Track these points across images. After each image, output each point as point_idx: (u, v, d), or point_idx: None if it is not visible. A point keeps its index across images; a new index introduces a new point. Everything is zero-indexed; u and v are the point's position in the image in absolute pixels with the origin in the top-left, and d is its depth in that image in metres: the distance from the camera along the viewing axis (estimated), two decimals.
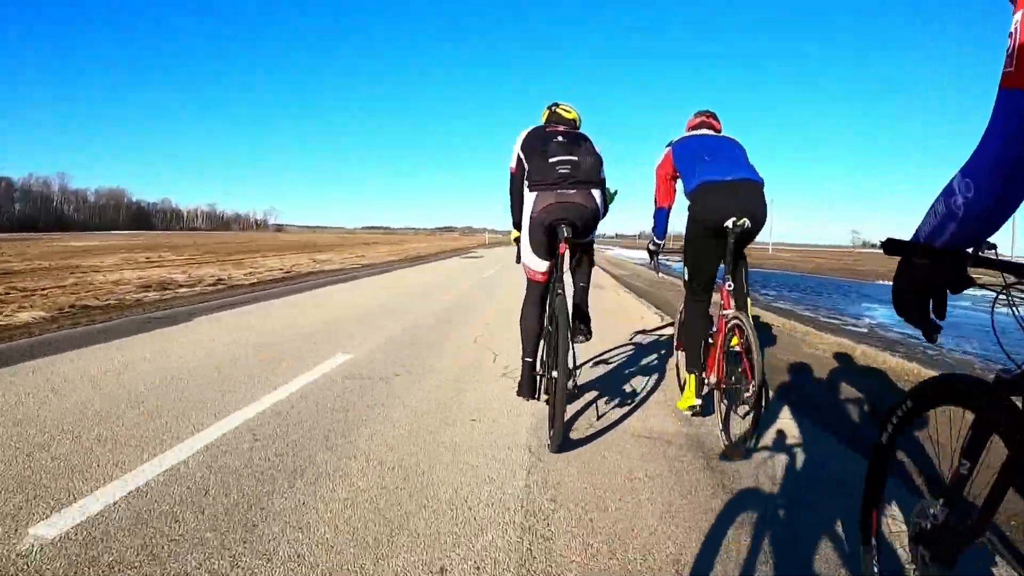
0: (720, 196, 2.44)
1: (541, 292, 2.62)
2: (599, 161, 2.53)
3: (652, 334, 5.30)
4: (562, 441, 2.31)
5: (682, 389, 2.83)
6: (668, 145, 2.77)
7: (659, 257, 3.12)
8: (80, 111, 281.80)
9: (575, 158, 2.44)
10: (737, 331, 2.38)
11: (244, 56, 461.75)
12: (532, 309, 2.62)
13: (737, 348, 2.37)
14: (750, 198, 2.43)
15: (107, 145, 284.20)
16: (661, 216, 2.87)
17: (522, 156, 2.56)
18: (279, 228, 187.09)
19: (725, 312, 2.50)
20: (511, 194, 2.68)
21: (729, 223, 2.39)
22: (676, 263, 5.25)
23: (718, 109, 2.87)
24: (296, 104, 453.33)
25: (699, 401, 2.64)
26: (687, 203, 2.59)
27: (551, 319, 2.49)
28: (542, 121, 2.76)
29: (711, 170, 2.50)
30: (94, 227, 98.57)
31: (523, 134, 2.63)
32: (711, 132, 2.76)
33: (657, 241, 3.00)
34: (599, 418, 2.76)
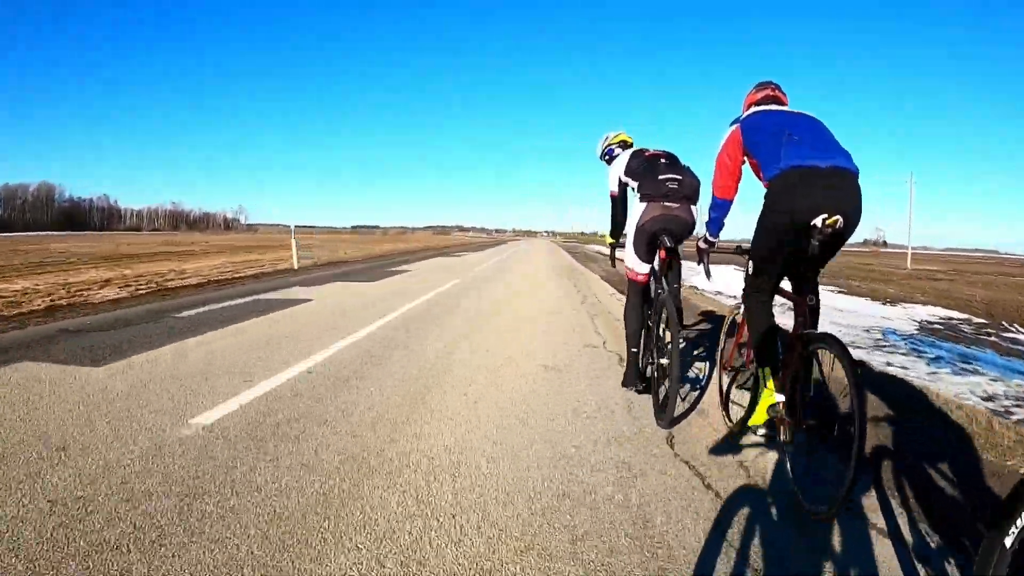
0: (812, 186, 1.91)
1: (642, 291, 3.02)
2: (698, 181, 2.86)
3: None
4: (672, 418, 2.52)
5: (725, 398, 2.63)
6: (733, 123, 2.24)
7: (708, 258, 2.64)
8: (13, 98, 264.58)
9: (680, 177, 2.81)
10: (822, 357, 1.96)
11: (226, 47, 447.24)
12: (634, 308, 3.02)
13: (819, 377, 2.04)
14: (847, 192, 1.92)
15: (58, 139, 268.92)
16: (720, 209, 2.32)
17: (624, 178, 3.05)
18: (251, 227, 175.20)
19: (807, 332, 1.97)
20: (612, 212, 3.23)
21: (818, 221, 1.88)
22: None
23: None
24: (288, 100, 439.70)
25: (781, 397, 2.02)
26: (763, 192, 2.05)
27: (657, 313, 2.86)
28: (612, 141, 3.38)
29: (800, 153, 1.96)
30: (20, 227, 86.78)
31: (623, 161, 3.10)
32: (782, 108, 2.23)
33: (710, 239, 2.51)
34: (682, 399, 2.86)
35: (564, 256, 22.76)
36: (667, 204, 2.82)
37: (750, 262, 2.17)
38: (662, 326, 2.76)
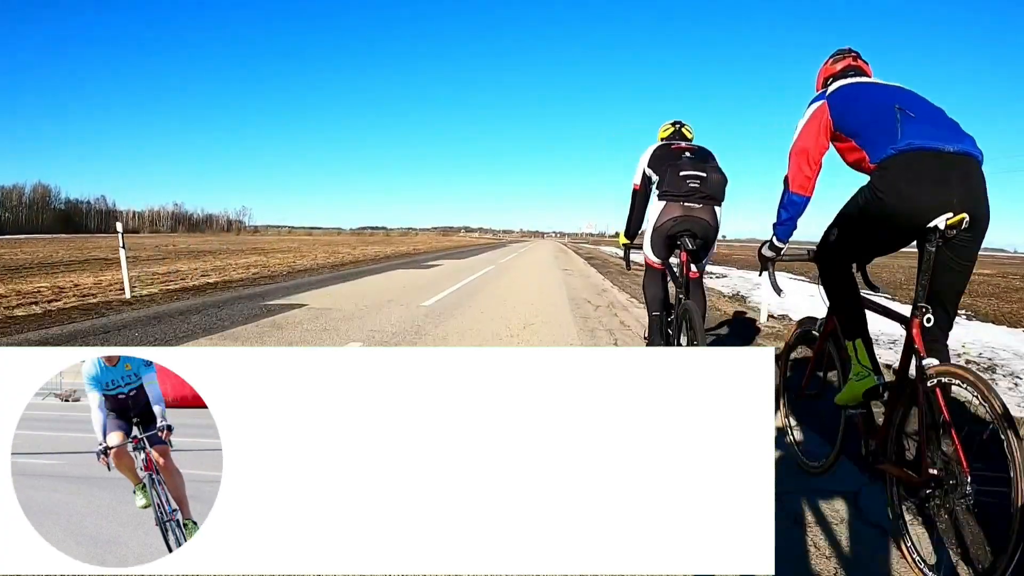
0: (940, 175, 1.52)
1: (660, 275, 2.92)
2: (724, 179, 2.65)
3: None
4: None
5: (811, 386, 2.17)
6: (818, 99, 1.82)
7: (774, 267, 2.08)
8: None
9: (703, 174, 2.59)
10: (944, 394, 1.48)
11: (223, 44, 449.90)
12: (652, 279, 2.94)
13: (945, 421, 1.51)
14: (975, 186, 1.55)
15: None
16: (795, 208, 1.88)
17: (648, 171, 2.84)
18: (255, 230, 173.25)
19: (928, 362, 1.53)
20: (631, 207, 3.03)
21: (940, 222, 1.51)
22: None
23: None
24: (294, 101, 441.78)
25: (879, 380, 1.69)
26: (869, 178, 1.63)
27: (678, 324, 2.76)
28: (661, 134, 3.04)
29: (922, 131, 1.56)
30: (14, 230, 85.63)
31: (649, 151, 2.89)
32: (874, 80, 1.85)
33: (777, 244, 1.99)
34: None
35: (581, 266, 16.01)
36: (687, 204, 2.61)
37: (835, 229, 1.75)
38: (684, 339, 2.67)
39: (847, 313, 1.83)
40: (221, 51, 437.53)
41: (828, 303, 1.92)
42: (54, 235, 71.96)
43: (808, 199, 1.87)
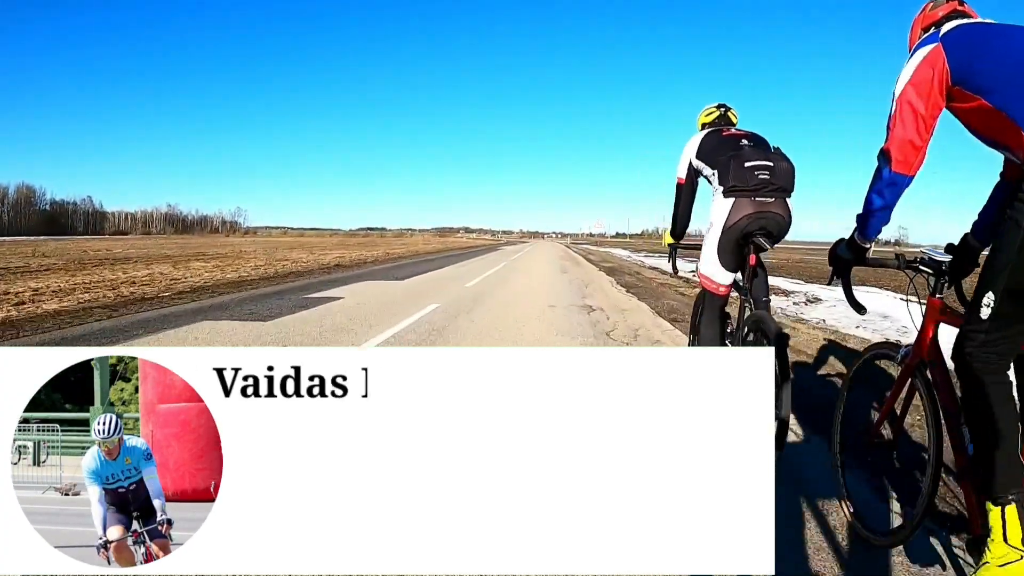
0: None
1: (721, 305, 2.54)
2: (792, 167, 2.38)
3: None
4: None
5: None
6: (927, 42, 1.36)
7: (850, 276, 1.65)
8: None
9: (771, 163, 2.33)
10: None
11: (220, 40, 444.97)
12: (712, 324, 2.52)
13: None
14: None
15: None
16: (893, 192, 1.41)
17: (697, 163, 2.55)
18: (250, 231, 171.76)
19: None
20: (676, 203, 2.71)
21: None
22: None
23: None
24: (291, 101, 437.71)
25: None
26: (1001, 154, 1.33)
27: (741, 337, 2.42)
28: (703, 119, 2.73)
29: None
30: None
31: (695, 141, 2.60)
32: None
33: (862, 243, 1.54)
34: None
35: (610, 291, 9.56)
36: (760, 199, 2.29)
37: (989, 294, 1.20)
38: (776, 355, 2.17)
39: (996, 457, 1.25)
40: (222, 49, 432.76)
41: (964, 408, 1.39)
42: (34, 237, 70.45)
43: (911, 180, 1.41)
